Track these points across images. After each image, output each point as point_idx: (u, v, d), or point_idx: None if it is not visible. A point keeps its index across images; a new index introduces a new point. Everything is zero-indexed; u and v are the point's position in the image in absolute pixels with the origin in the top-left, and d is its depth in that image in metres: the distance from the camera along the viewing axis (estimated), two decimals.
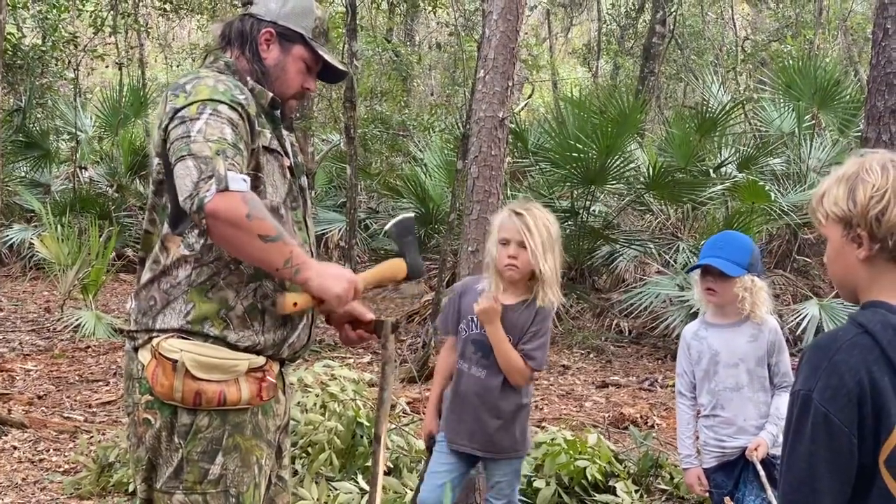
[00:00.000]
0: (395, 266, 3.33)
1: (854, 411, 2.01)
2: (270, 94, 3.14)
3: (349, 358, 9.41)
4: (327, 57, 3.24)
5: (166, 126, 2.91)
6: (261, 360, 3.04)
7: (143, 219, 3.16)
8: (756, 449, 4.17)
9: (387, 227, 3.38)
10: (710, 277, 4.23)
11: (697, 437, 4.45)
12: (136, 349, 3.04)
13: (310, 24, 3.22)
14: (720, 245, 4.28)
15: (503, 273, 4.19)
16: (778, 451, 4.22)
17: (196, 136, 2.81)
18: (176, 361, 2.94)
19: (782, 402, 4.22)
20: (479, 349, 4.26)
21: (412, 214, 3.47)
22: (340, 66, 3.32)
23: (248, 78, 3.13)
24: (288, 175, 3.16)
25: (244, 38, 3.19)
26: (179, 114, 2.88)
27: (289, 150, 3.21)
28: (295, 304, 2.97)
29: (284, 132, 3.23)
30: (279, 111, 3.20)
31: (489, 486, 4.42)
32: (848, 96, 13.37)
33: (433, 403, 4.54)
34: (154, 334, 2.99)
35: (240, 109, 2.94)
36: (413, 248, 3.36)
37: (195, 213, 2.75)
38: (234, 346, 3.00)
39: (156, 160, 3.01)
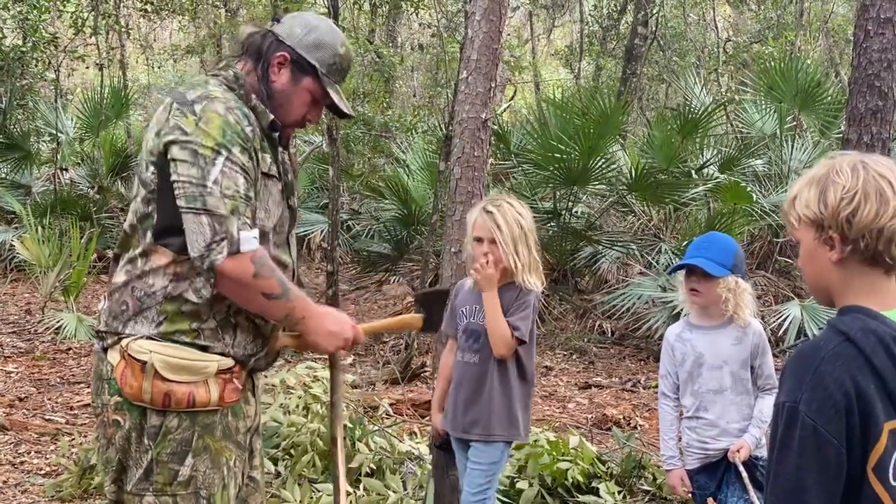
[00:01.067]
0: (411, 320, 3.47)
1: (842, 422, 2.01)
2: (271, 118, 3.12)
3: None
4: (335, 97, 3.22)
5: (169, 143, 2.90)
6: (229, 361, 3.05)
7: (123, 219, 3.16)
8: (738, 451, 4.18)
9: (417, 294, 3.53)
10: (695, 278, 4.24)
11: (680, 439, 4.45)
12: (105, 350, 3.04)
13: (326, 59, 3.19)
14: (704, 246, 4.29)
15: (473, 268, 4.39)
16: (760, 453, 4.24)
17: (213, 189, 2.85)
18: (145, 363, 2.95)
19: (765, 404, 4.23)
20: (471, 336, 4.43)
21: (448, 289, 3.60)
22: (346, 110, 3.29)
23: (254, 96, 3.11)
24: (281, 199, 3.17)
25: (259, 55, 3.17)
26: (191, 144, 2.88)
27: (282, 171, 3.20)
28: (286, 346, 3.19)
29: (279, 150, 3.22)
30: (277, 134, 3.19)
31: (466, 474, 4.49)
32: (829, 97, 13.42)
33: (436, 404, 4.71)
34: (123, 336, 2.99)
35: (248, 146, 2.95)
36: (438, 312, 3.50)
37: (205, 270, 2.87)
38: (203, 349, 3.01)
39: (150, 168, 2.98)
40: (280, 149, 3.23)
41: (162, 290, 2.97)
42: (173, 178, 2.88)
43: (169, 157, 2.90)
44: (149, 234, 2.97)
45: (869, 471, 2.04)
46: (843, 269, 2.13)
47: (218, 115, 2.92)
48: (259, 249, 2.91)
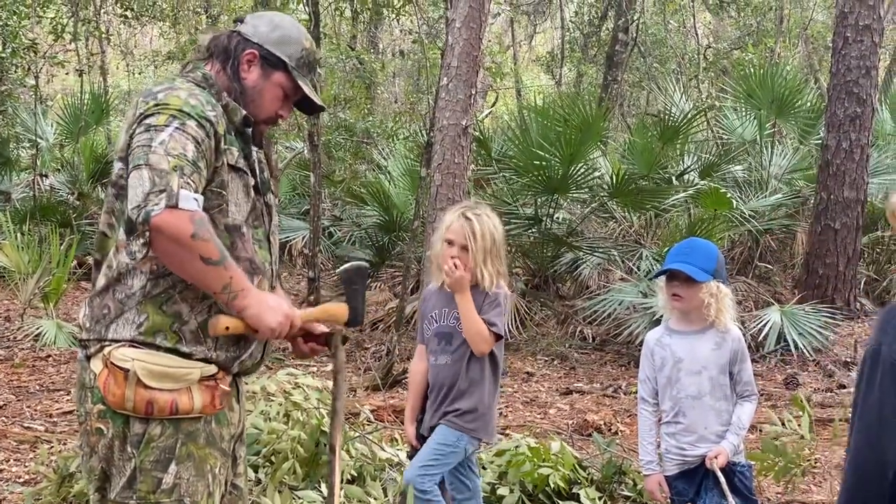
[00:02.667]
0: (338, 310, 3.33)
1: None
2: (243, 113, 3.14)
3: (312, 366, 9.38)
4: (306, 89, 3.25)
5: (133, 131, 2.92)
6: (213, 368, 3.04)
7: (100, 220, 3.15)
8: (716, 457, 4.19)
9: (339, 270, 3.41)
10: (677, 283, 4.25)
11: (659, 444, 4.46)
12: (88, 358, 3.04)
13: (295, 54, 3.23)
14: (686, 251, 4.30)
15: (444, 270, 4.45)
16: (738, 459, 4.27)
17: (157, 148, 2.82)
18: (128, 371, 2.93)
19: (744, 411, 4.26)
20: (442, 339, 4.50)
21: (366, 264, 3.51)
22: (318, 101, 3.33)
23: (224, 94, 3.13)
24: (253, 194, 3.16)
25: (227, 55, 3.19)
26: (147, 120, 2.89)
27: (256, 168, 3.21)
28: (227, 327, 2.98)
29: (254, 149, 3.23)
30: (250, 130, 3.20)
31: None
32: (808, 104, 13.53)
33: (409, 415, 4.73)
34: (106, 343, 2.98)
35: (207, 127, 2.95)
36: (359, 297, 3.38)
37: (140, 224, 2.76)
38: (186, 356, 3.00)
39: (119, 164, 3.00)
40: (255, 148, 3.23)
41: (141, 289, 2.96)
42: (129, 153, 2.90)
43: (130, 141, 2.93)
44: (122, 231, 2.95)
45: None
46: None
47: (179, 98, 2.95)
48: (200, 212, 2.82)
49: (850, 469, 2.39)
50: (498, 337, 4.42)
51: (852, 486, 2.40)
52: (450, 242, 4.41)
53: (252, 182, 3.16)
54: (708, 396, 4.26)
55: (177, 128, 2.87)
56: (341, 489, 5.41)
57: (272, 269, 3.26)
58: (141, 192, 2.77)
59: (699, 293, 4.20)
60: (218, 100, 3.09)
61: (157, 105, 2.92)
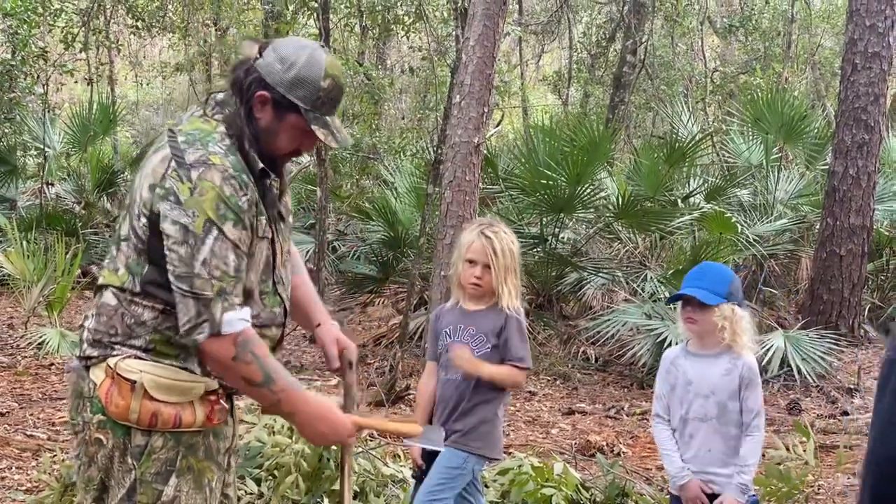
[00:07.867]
0: (412, 427, 3.50)
1: None
2: (261, 166, 3.04)
3: (317, 380, 9.38)
4: (319, 134, 3.06)
5: (163, 211, 2.89)
6: (215, 383, 3.06)
7: (109, 235, 3.15)
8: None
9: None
10: (690, 307, 4.31)
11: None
12: (87, 367, 3.03)
13: (309, 96, 3.02)
14: (700, 276, 4.37)
15: (467, 289, 4.51)
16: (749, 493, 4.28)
17: (200, 271, 2.86)
18: (134, 382, 2.94)
19: (747, 449, 4.26)
20: None
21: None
22: (333, 145, 3.16)
23: (245, 143, 3.03)
24: (267, 249, 3.11)
25: (241, 93, 3.06)
26: (183, 219, 2.86)
27: (271, 207, 3.15)
28: None
29: (273, 177, 3.15)
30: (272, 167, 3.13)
31: None
32: (815, 129, 13.54)
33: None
34: (110, 354, 2.99)
35: (244, 218, 2.93)
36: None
37: (191, 346, 2.94)
38: (191, 371, 3.02)
39: (142, 220, 2.96)
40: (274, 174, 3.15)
41: (152, 320, 2.98)
42: (165, 250, 2.89)
43: (161, 226, 2.89)
44: (137, 281, 2.98)
45: None
46: None
47: (213, 187, 2.88)
48: (244, 332, 2.91)
49: (869, 467, 2.52)
50: (527, 369, 4.49)
51: (875, 485, 2.51)
52: (472, 262, 4.44)
53: (270, 236, 3.12)
54: (715, 420, 4.28)
55: (216, 237, 2.87)
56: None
57: (286, 310, 3.26)
58: (187, 320, 2.88)
59: (712, 316, 4.24)
60: (240, 146, 3.01)
61: (191, 189, 2.88)
